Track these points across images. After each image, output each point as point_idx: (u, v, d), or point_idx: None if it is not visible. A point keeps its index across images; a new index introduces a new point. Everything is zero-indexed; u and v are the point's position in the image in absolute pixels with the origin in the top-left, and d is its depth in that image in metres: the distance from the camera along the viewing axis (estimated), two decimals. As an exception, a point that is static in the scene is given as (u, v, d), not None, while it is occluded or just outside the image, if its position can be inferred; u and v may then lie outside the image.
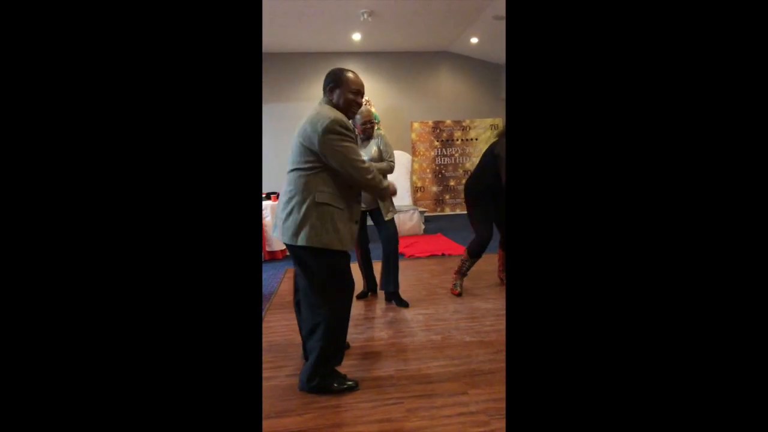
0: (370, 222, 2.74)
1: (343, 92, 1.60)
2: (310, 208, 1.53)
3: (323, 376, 1.65)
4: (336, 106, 1.61)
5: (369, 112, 2.65)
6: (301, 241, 1.53)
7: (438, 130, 7.28)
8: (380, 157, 2.59)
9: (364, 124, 2.62)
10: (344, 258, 1.63)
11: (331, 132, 1.50)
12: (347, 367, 1.86)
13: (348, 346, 2.03)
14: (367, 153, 2.59)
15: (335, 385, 1.66)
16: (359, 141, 2.67)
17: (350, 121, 1.61)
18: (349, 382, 1.69)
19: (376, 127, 2.72)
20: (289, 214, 1.55)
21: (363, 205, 2.50)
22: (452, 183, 7.31)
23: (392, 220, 2.67)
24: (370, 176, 1.60)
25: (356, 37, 6.28)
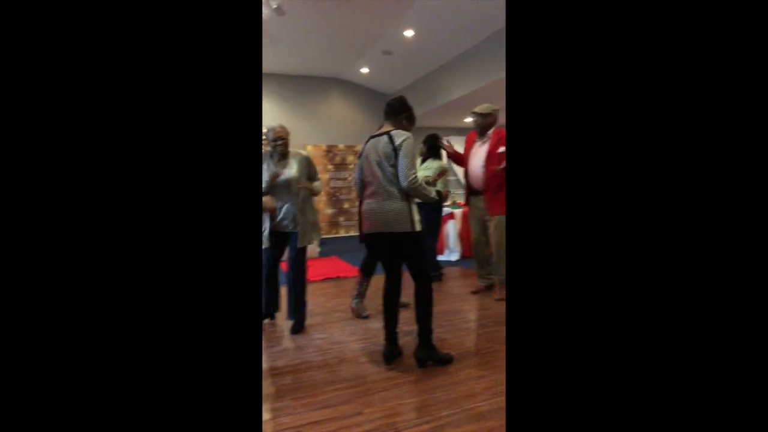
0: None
1: None
2: None
3: None
4: None
5: (282, 128, 2.61)
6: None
7: (331, 154, 7.41)
8: (301, 177, 2.58)
9: (274, 140, 2.57)
10: None
11: None
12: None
13: None
14: (288, 171, 2.56)
15: None
16: (273, 159, 2.62)
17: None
18: None
19: (301, 146, 2.71)
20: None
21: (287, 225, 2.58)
22: (346, 205, 7.47)
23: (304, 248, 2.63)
24: None
25: (247, 57, 6.17)
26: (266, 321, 2.84)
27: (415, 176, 1.96)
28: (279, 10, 4.33)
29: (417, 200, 2.10)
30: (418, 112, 6.37)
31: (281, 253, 2.72)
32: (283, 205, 2.59)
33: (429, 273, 2.09)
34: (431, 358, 2.09)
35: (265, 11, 4.42)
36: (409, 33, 5.34)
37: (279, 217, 2.61)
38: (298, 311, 2.68)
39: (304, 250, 2.64)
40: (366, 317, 2.91)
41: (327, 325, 2.78)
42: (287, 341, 2.53)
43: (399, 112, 2.11)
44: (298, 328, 2.67)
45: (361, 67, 6.76)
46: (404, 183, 1.95)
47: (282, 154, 2.60)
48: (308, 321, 2.82)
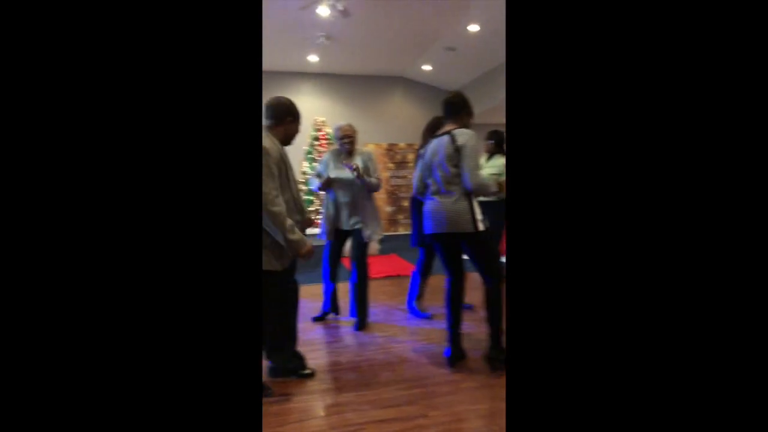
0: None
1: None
2: None
3: None
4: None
5: (349, 127, 2.66)
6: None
7: (392, 152, 7.43)
8: (364, 174, 2.61)
9: (341, 138, 2.64)
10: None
11: None
12: (306, 395, 1.84)
13: (313, 375, 2.03)
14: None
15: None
16: (337, 156, 2.67)
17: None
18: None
19: (361, 145, 2.74)
20: None
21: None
22: (405, 204, 7.46)
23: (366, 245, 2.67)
24: (274, 208, 1.71)
25: (313, 58, 6.34)
26: (330, 315, 2.90)
27: (480, 177, 1.92)
28: (345, 12, 4.40)
29: (479, 199, 2.03)
30: (481, 108, 6.20)
31: (341, 250, 2.76)
32: (346, 202, 2.62)
33: (499, 272, 2.02)
34: (501, 360, 2.02)
35: (331, 13, 4.51)
36: (473, 28, 5.20)
37: (340, 214, 2.65)
38: (360, 308, 2.71)
39: (365, 247, 2.66)
40: (429, 317, 2.88)
41: (388, 324, 2.79)
42: (349, 338, 2.56)
43: (460, 109, 2.05)
44: (361, 324, 2.69)
45: (424, 65, 6.70)
46: (471, 185, 1.91)
47: (348, 152, 2.64)
48: (369, 318, 2.84)
